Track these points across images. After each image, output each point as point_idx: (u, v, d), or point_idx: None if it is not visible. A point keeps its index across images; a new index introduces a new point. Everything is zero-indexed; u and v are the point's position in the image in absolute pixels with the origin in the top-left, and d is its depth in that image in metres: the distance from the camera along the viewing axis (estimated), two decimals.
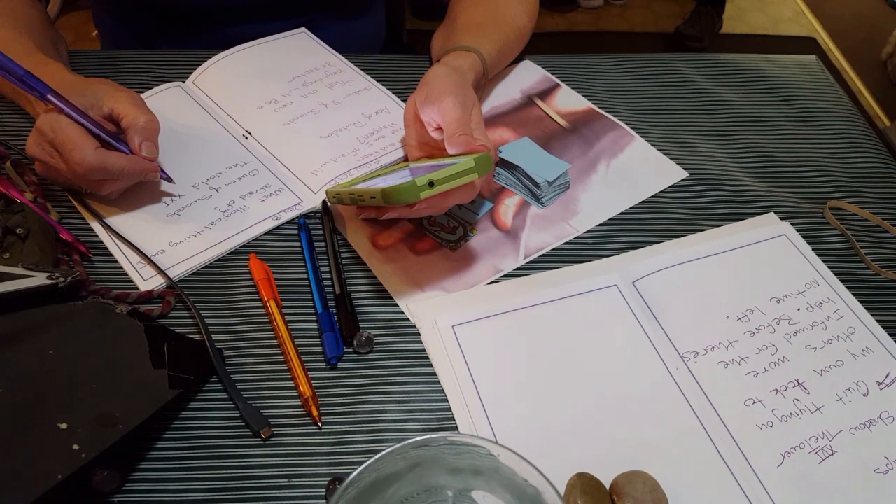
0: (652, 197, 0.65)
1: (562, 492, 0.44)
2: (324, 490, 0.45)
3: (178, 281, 0.55)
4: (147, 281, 0.55)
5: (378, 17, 0.89)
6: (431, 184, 0.47)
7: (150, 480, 0.45)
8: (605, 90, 0.75)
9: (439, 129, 0.56)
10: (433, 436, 0.38)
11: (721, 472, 0.47)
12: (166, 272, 0.55)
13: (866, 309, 0.56)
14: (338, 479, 0.45)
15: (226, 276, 0.56)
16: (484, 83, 0.67)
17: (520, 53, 0.76)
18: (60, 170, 0.55)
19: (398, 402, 0.50)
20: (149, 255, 0.56)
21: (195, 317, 0.52)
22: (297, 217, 0.61)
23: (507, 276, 0.58)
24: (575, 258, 0.59)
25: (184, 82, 0.71)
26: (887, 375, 0.52)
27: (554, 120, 0.71)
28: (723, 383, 0.51)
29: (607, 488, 0.45)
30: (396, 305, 0.55)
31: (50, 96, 0.54)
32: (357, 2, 0.84)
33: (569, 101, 0.73)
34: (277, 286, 0.55)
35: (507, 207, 0.63)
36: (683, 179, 0.66)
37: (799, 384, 0.52)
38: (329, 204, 0.60)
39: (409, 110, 0.59)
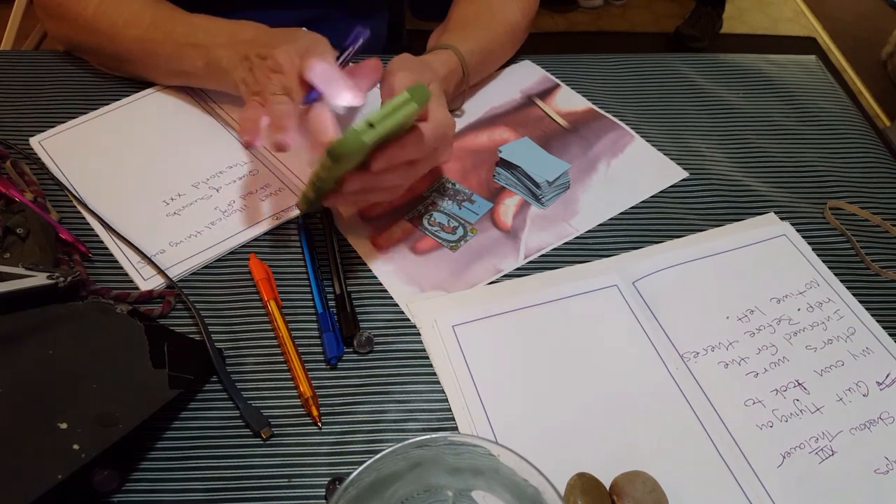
0: (652, 197, 0.65)
1: (562, 492, 0.44)
2: (324, 490, 0.45)
3: (178, 281, 0.55)
4: (147, 281, 0.55)
5: (384, 16, 0.89)
6: (371, 125, 0.45)
7: (150, 480, 0.45)
8: (605, 90, 0.75)
9: None
10: (433, 436, 0.38)
11: (721, 472, 0.47)
12: (166, 272, 0.55)
13: (866, 309, 0.56)
14: (338, 479, 0.45)
15: (226, 276, 0.56)
16: (469, 80, 0.67)
17: (520, 53, 0.76)
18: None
19: (398, 402, 0.50)
20: (149, 255, 0.56)
21: (195, 317, 0.52)
22: (297, 217, 0.60)
23: (507, 276, 0.58)
24: (575, 258, 0.59)
25: None
26: (887, 375, 0.52)
27: (554, 120, 0.71)
28: (723, 383, 0.51)
29: (607, 488, 0.45)
30: (396, 305, 0.55)
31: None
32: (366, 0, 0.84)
33: (569, 101, 0.73)
34: (277, 286, 0.55)
35: (507, 207, 0.63)
36: (683, 179, 0.66)
37: (799, 384, 0.52)
38: (303, 213, 0.60)
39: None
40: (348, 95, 0.54)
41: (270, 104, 0.53)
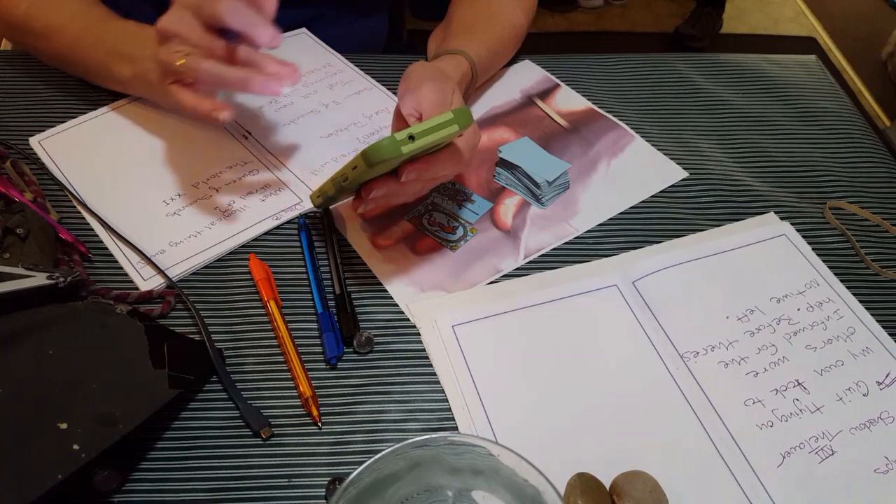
0: (652, 197, 0.65)
1: (562, 492, 0.44)
2: (324, 490, 0.45)
3: (178, 281, 0.55)
4: (147, 281, 0.55)
5: (383, 16, 0.89)
6: (412, 138, 0.45)
7: (150, 480, 0.45)
8: (605, 90, 0.75)
9: (421, 119, 0.55)
10: (433, 436, 0.38)
11: (721, 472, 0.47)
12: (166, 272, 0.55)
13: (866, 309, 0.56)
14: (338, 479, 0.45)
15: (226, 276, 0.56)
16: (476, 83, 0.67)
17: (520, 53, 0.76)
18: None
19: (398, 402, 0.50)
20: (149, 255, 0.56)
21: (195, 317, 0.52)
22: (297, 217, 0.60)
23: (507, 276, 0.58)
24: (575, 258, 0.59)
25: None
26: (887, 375, 0.52)
27: (554, 120, 0.71)
28: (723, 383, 0.51)
29: (607, 488, 0.45)
30: (396, 305, 0.55)
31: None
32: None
33: (569, 101, 0.73)
34: (277, 286, 0.55)
35: (507, 207, 0.63)
36: (683, 179, 0.66)
37: (799, 384, 0.52)
38: (316, 207, 0.59)
39: (396, 111, 0.59)
40: (268, 30, 0.52)
41: (189, 67, 0.50)
